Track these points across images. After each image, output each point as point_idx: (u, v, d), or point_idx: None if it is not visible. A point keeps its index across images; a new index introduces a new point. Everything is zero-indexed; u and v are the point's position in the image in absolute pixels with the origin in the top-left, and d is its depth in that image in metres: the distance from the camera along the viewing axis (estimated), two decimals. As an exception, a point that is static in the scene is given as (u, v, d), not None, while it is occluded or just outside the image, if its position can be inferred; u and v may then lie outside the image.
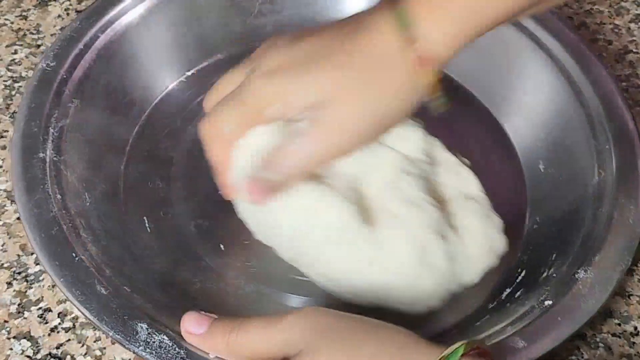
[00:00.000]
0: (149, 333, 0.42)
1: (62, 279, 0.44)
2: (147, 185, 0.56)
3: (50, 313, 0.50)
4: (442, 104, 0.44)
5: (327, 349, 0.37)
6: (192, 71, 0.63)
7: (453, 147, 0.53)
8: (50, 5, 0.71)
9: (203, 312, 0.43)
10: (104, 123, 0.56)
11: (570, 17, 0.73)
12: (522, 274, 0.51)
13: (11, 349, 0.48)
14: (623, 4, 0.75)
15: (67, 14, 0.70)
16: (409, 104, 0.43)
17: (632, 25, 0.73)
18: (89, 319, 0.43)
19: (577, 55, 0.58)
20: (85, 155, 0.53)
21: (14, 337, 0.49)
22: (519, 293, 0.49)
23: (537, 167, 0.57)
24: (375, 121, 0.43)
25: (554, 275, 0.48)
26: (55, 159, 0.50)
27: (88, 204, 0.51)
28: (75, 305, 0.43)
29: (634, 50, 0.70)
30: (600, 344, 0.50)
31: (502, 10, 0.40)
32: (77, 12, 0.70)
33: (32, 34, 0.68)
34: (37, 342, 0.49)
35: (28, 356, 0.48)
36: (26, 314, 0.50)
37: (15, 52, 0.66)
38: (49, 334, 0.49)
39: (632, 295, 0.53)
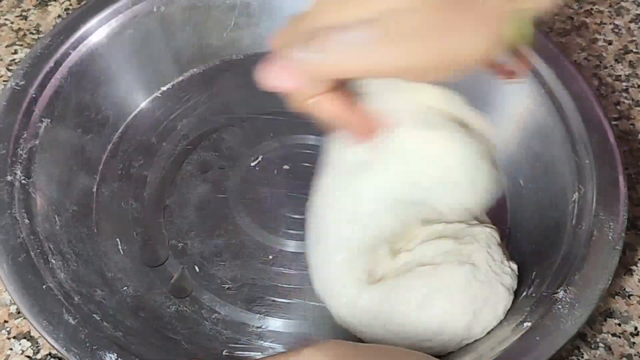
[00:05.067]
0: (118, 363, 0.41)
1: (29, 309, 0.43)
2: (120, 206, 0.55)
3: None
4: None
5: None
6: (167, 86, 0.62)
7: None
8: (50, 5, 0.70)
9: None
10: (75, 142, 0.55)
11: (571, 17, 0.73)
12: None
13: (11, 349, 0.48)
14: (623, 4, 0.74)
15: (67, 14, 0.69)
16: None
17: (632, 25, 0.72)
18: (57, 350, 0.42)
19: (558, 69, 0.57)
20: (55, 177, 0.52)
21: (14, 337, 0.48)
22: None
23: (517, 183, 0.57)
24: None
25: (533, 295, 0.47)
26: (24, 181, 0.49)
27: (58, 227, 0.50)
28: (43, 336, 0.42)
29: (634, 50, 0.70)
30: (600, 344, 0.50)
31: None
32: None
33: (32, 34, 0.67)
34: (37, 342, 0.48)
35: (28, 356, 0.48)
36: (26, 314, 0.49)
37: (15, 52, 0.66)
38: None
39: (632, 295, 0.53)
